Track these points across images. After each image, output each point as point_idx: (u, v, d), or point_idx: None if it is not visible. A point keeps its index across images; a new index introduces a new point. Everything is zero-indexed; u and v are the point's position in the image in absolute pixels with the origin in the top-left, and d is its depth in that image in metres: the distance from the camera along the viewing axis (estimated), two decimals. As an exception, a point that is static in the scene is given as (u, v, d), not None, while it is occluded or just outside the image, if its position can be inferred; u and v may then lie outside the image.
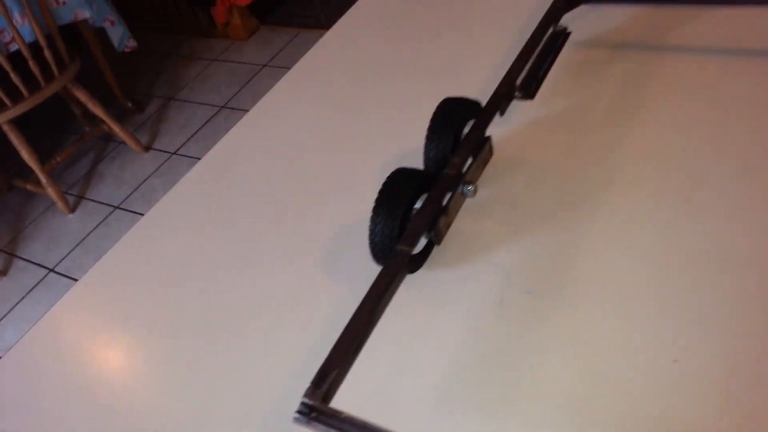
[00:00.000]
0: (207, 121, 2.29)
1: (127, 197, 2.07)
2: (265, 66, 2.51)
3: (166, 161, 2.17)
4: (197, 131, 2.26)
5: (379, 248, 0.41)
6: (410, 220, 0.41)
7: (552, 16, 0.55)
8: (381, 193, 0.41)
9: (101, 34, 2.20)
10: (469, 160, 0.45)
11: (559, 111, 0.53)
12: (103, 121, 2.13)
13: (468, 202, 0.47)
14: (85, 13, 2.02)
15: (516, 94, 0.50)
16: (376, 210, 0.40)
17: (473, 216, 0.46)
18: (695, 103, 0.49)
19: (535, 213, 0.45)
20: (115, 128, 2.14)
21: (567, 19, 0.59)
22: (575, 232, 0.43)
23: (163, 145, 2.25)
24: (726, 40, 0.53)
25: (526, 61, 0.51)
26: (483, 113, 0.47)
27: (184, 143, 2.23)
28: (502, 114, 0.49)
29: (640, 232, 0.42)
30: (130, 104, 2.43)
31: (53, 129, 2.50)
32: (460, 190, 0.44)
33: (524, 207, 0.46)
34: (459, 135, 0.46)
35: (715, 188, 0.43)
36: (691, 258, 0.39)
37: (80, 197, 2.15)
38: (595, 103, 0.52)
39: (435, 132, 0.45)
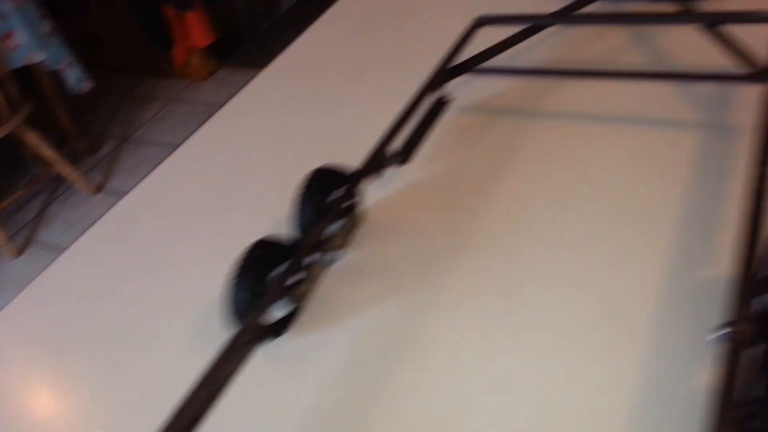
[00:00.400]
0: (160, 162, 2.29)
1: (76, 240, 2.05)
2: (221, 106, 2.53)
3: (116, 203, 2.16)
4: (149, 172, 2.26)
5: (238, 317, 0.42)
6: (264, 290, 0.42)
7: (431, 85, 0.57)
8: (238, 264, 0.42)
9: (57, 74, 2.21)
10: (335, 227, 0.48)
11: (435, 175, 0.55)
12: (53, 164, 2.12)
13: (338, 265, 0.49)
14: (38, 57, 2.03)
15: (390, 159, 0.53)
16: (233, 280, 0.42)
17: (342, 280, 0.48)
18: (558, 167, 0.52)
19: (400, 277, 0.47)
20: (66, 170, 2.14)
21: (454, 86, 0.63)
22: (431, 296, 0.45)
23: (114, 186, 2.25)
24: (590, 108, 0.57)
25: (400, 128, 0.54)
26: (351, 181, 0.49)
27: (136, 185, 2.22)
28: (376, 179, 0.52)
29: (485, 298, 0.44)
30: (83, 145, 2.43)
31: (4, 170, 2.48)
32: (322, 257, 0.46)
33: (390, 271, 0.48)
34: (325, 202, 0.48)
35: (562, 255, 0.45)
36: (529, 326, 0.41)
37: (29, 240, 2.13)
38: (469, 167, 0.55)
39: (303, 201, 0.47)
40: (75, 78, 2.20)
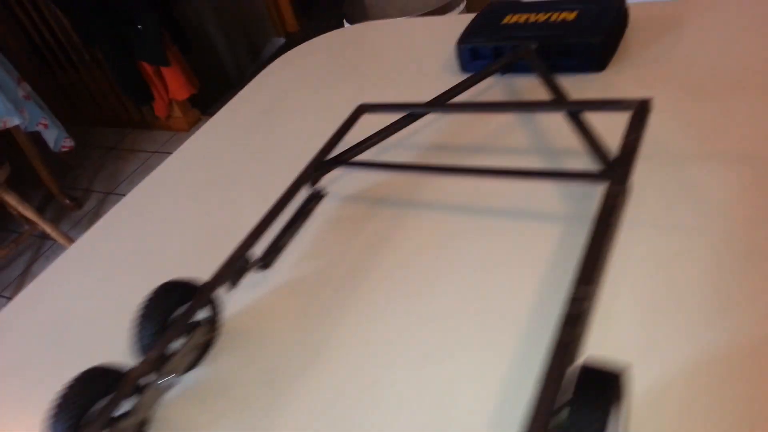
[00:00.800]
0: (141, 217, 2.31)
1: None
2: (204, 157, 2.55)
3: (97, 260, 2.17)
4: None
5: (58, 455, 0.41)
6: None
7: (302, 180, 0.57)
8: (56, 397, 0.41)
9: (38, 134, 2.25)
10: (180, 344, 0.46)
11: (301, 277, 0.54)
12: (36, 222, 2.14)
13: (186, 385, 0.47)
14: (13, 121, 2.07)
15: (250, 266, 0.52)
16: (51, 417, 0.41)
17: (188, 401, 0.47)
18: (426, 264, 0.51)
19: (250, 394, 0.46)
20: (48, 229, 2.16)
21: (335, 175, 0.62)
22: (280, 415, 0.43)
23: (96, 242, 2.26)
24: (461, 199, 0.56)
25: (267, 228, 0.53)
26: (200, 293, 0.48)
27: (116, 240, 2.24)
28: (233, 286, 0.51)
29: (333, 416, 0.42)
30: (67, 201, 2.46)
31: (-8, 229, 2.52)
32: (156, 383, 0.44)
33: (241, 388, 0.46)
34: (168, 319, 0.47)
35: (412, 369, 0.44)
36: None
37: (10, 299, 2.13)
38: (336, 266, 0.54)
39: (142, 321, 0.46)
40: (54, 138, 2.24)
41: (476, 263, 0.50)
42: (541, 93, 0.65)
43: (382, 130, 0.61)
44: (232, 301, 0.53)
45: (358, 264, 0.53)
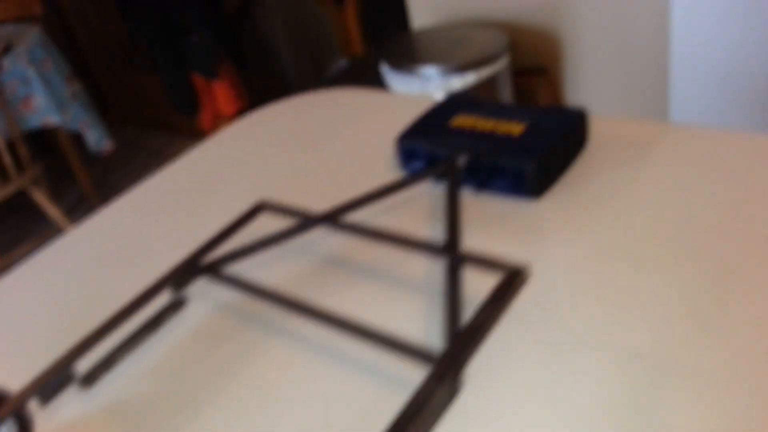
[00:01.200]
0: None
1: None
2: (238, 175, 2.56)
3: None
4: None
5: None
6: None
7: (161, 285, 0.51)
8: None
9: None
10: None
11: (134, 397, 0.48)
12: (59, 223, 2.19)
13: None
14: (54, 120, 2.12)
15: (70, 381, 0.47)
16: None
17: None
18: (271, 404, 0.44)
19: None
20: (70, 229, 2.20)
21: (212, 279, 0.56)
22: None
23: (115, 247, 2.30)
24: (321, 336, 0.49)
25: (95, 341, 0.47)
26: (-7, 413, 0.43)
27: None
28: (45, 403, 0.46)
29: None
30: (98, 202, 2.51)
31: (30, 219, 2.60)
32: None
33: None
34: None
35: None
36: None
37: (27, 292, 2.19)
38: (177, 390, 0.48)
39: None
40: (95, 139, 2.28)
41: (318, 419, 0.43)
42: (470, 212, 0.57)
43: (274, 235, 0.55)
44: (52, 418, 0.48)
45: (198, 393, 0.47)
